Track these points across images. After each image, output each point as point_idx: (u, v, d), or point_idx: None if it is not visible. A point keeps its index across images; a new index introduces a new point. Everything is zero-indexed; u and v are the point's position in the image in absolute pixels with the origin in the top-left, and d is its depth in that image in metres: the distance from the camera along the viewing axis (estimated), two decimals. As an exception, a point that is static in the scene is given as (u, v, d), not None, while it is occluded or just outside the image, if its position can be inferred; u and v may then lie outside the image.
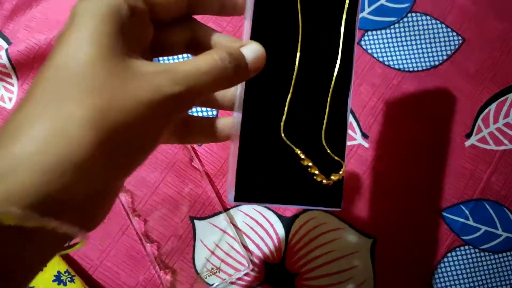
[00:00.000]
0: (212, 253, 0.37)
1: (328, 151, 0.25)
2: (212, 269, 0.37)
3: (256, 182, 0.25)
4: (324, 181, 0.25)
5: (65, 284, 0.34)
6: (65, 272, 0.34)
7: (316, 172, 0.25)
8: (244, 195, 0.24)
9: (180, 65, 0.19)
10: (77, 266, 0.36)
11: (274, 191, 0.25)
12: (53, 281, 0.34)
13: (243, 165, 0.24)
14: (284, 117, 0.25)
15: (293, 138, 0.25)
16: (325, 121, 0.26)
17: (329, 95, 0.25)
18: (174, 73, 0.18)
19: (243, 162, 0.24)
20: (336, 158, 0.25)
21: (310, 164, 0.25)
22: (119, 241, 0.37)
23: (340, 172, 0.25)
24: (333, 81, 0.26)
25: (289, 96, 0.25)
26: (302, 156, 0.25)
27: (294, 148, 0.25)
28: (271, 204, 0.25)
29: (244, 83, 0.24)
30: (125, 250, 0.37)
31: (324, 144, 0.25)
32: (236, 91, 0.26)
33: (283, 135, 0.25)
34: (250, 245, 0.38)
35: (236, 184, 0.24)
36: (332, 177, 0.25)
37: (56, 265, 0.34)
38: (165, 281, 0.36)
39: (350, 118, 0.39)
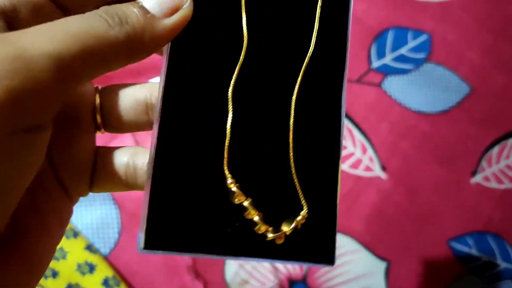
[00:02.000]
0: (241, 267, 0.41)
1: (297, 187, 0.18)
2: (241, 281, 0.41)
3: (181, 220, 0.17)
4: (270, 234, 0.17)
5: (111, 288, 0.38)
6: (112, 277, 0.38)
7: (256, 218, 0.17)
8: (161, 241, 0.17)
9: (44, 27, 0.14)
10: (118, 271, 0.40)
11: (213, 235, 0.17)
12: (102, 284, 0.37)
13: (160, 191, 0.17)
14: (227, 142, 0.17)
15: (241, 162, 0.18)
16: (291, 131, 0.18)
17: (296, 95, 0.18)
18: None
19: (160, 185, 0.17)
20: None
21: (246, 204, 0.17)
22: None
23: (299, 218, 0.17)
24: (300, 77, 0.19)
25: (231, 87, 0.18)
26: (234, 189, 0.17)
27: (229, 177, 0.17)
28: (207, 255, 0.17)
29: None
30: (164, 259, 0.40)
31: (294, 174, 0.18)
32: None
33: (225, 168, 0.17)
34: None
35: (147, 223, 0.16)
36: (284, 228, 0.17)
37: (104, 270, 0.38)
38: (199, 290, 0.40)
39: (370, 152, 0.44)
